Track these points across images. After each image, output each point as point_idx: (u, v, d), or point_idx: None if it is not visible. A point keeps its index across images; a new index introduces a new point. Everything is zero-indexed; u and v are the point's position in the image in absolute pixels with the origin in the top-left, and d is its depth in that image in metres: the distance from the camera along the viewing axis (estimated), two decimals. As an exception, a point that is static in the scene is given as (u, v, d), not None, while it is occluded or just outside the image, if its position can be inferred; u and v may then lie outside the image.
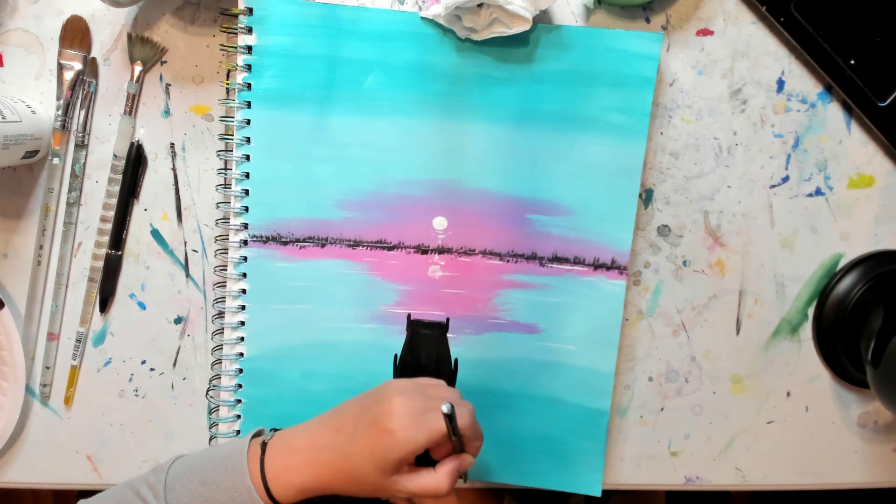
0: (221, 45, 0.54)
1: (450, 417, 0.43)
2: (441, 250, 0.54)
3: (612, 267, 0.54)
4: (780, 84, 0.55)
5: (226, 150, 0.54)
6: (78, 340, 0.56)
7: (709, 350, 0.57)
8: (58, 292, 0.56)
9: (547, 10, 0.54)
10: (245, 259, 0.54)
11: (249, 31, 0.52)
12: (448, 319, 0.55)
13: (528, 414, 0.55)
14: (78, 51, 0.54)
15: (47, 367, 0.56)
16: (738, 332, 0.57)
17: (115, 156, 0.55)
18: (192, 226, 0.56)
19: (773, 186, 0.56)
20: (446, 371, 0.55)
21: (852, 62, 0.53)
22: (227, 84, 0.54)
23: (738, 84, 0.55)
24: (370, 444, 0.44)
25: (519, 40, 0.52)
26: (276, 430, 0.48)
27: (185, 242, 0.56)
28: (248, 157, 0.53)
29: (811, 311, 0.57)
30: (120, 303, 0.56)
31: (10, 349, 0.54)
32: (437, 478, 0.45)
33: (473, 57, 0.53)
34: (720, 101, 0.55)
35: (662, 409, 0.57)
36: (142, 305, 0.56)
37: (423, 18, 0.52)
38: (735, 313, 0.57)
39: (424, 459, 0.46)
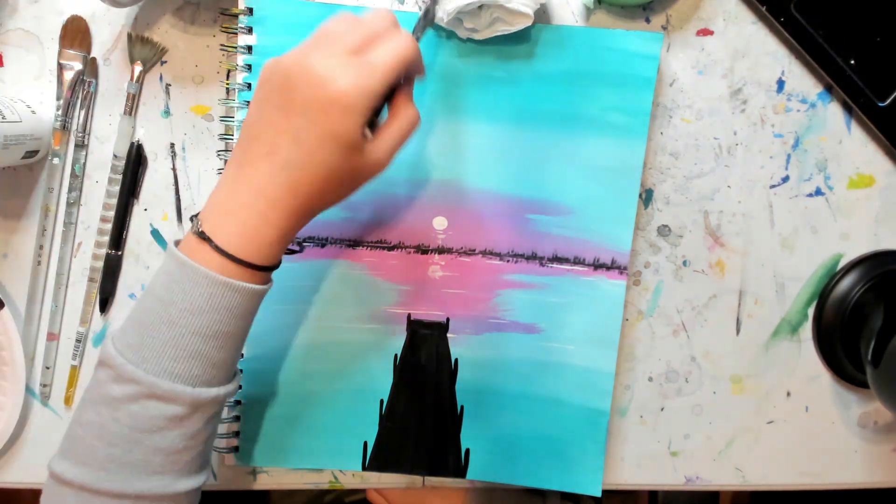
0: (221, 45, 0.54)
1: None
2: (441, 250, 0.54)
3: (613, 267, 0.54)
4: (780, 84, 0.55)
5: (226, 150, 0.54)
6: (78, 340, 0.56)
7: (709, 350, 0.57)
8: (58, 292, 0.56)
9: (547, 9, 0.54)
10: (245, 259, 0.54)
11: (249, 31, 0.52)
12: (448, 319, 0.55)
13: (528, 414, 0.55)
14: (78, 51, 0.54)
15: (47, 367, 0.56)
16: (738, 332, 0.57)
17: (115, 156, 0.55)
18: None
19: (773, 186, 0.56)
20: (446, 371, 0.55)
21: (852, 62, 0.53)
22: (228, 84, 0.54)
23: (738, 84, 0.55)
24: (322, 134, 0.38)
25: (519, 40, 0.52)
26: (192, 217, 0.41)
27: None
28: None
29: (811, 311, 0.57)
30: (120, 303, 0.56)
31: (10, 349, 0.54)
32: (405, 111, 0.42)
33: (473, 57, 0.53)
34: (720, 101, 0.55)
35: (662, 409, 0.57)
36: (142, 305, 0.56)
37: None
38: (735, 313, 0.57)
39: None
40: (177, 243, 0.41)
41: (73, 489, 0.38)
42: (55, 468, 0.39)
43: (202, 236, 0.39)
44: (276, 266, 0.42)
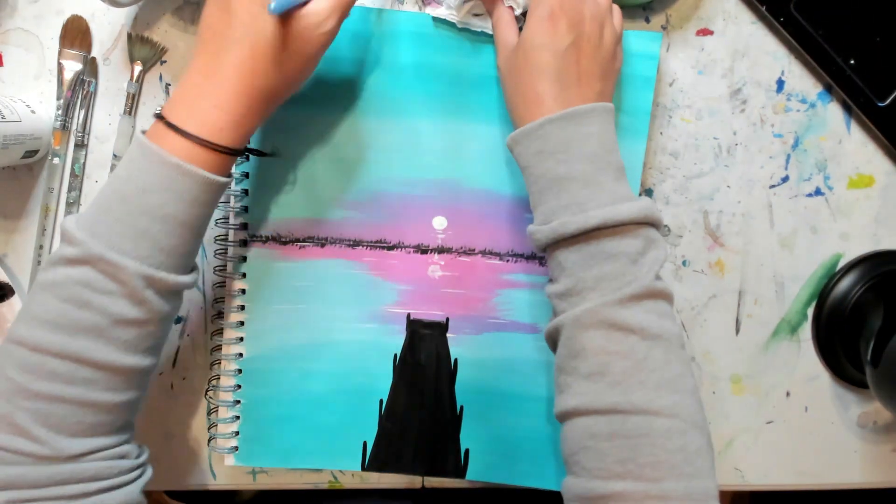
0: (221, 44, 0.54)
1: None
2: (441, 250, 0.54)
3: (612, 267, 0.54)
4: (780, 84, 0.55)
5: (225, 150, 0.54)
6: (78, 340, 0.56)
7: (708, 350, 0.57)
8: (57, 292, 0.55)
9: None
10: (244, 259, 0.54)
11: (249, 30, 0.52)
12: (448, 319, 0.55)
13: (528, 414, 0.55)
14: (78, 51, 0.54)
15: (47, 367, 0.56)
16: (737, 332, 0.57)
17: (115, 156, 0.55)
18: (192, 226, 0.56)
19: (772, 186, 0.56)
20: (446, 371, 0.55)
21: (852, 62, 0.53)
22: (227, 84, 0.54)
23: (737, 84, 0.55)
24: (250, 5, 0.40)
25: (519, 40, 0.52)
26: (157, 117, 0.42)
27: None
28: (247, 157, 0.53)
29: (811, 311, 0.57)
30: (120, 303, 0.56)
31: None
32: None
33: (473, 57, 0.53)
34: (720, 101, 0.55)
35: (662, 409, 0.57)
36: (141, 305, 0.56)
37: (434, 19, 0.52)
38: (735, 313, 0.57)
39: None
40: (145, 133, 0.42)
41: (26, 349, 0.39)
42: (10, 327, 0.40)
43: (160, 118, 0.41)
44: (231, 151, 0.42)
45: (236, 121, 0.41)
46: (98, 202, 0.41)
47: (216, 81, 0.41)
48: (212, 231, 0.55)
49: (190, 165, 0.40)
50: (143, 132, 0.42)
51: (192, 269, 0.45)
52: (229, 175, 0.44)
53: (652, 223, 0.43)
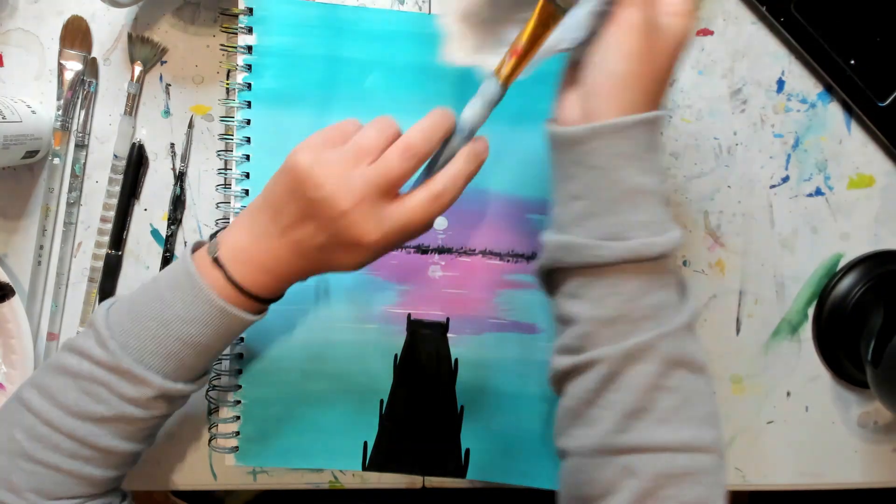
0: (221, 45, 0.54)
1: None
2: (441, 250, 0.54)
3: (612, 267, 0.54)
4: (780, 84, 0.55)
5: (226, 150, 0.54)
6: (78, 340, 0.56)
7: (709, 350, 0.57)
8: (58, 292, 0.56)
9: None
10: (245, 259, 0.54)
11: (250, 31, 0.52)
12: (448, 319, 0.55)
13: (528, 414, 0.55)
14: (78, 51, 0.54)
15: (47, 367, 0.56)
16: (737, 332, 0.57)
17: (115, 156, 0.55)
18: (192, 226, 0.56)
19: (773, 186, 0.56)
20: (446, 371, 0.55)
21: (852, 62, 0.53)
22: (228, 84, 0.54)
23: (738, 84, 0.55)
24: (336, 246, 0.40)
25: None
26: (213, 235, 0.44)
27: (185, 242, 0.56)
28: (248, 157, 0.53)
29: (811, 311, 0.57)
30: (120, 303, 0.56)
31: (20, 338, 0.54)
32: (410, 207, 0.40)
33: (473, 57, 0.53)
34: (720, 101, 0.55)
35: (662, 409, 0.57)
36: (142, 305, 0.56)
37: (435, 19, 0.52)
38: (735, 313, 0.57)
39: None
40: (195, 247, 0.43)
41: (38, 420, 0.41)
42: (24, 393, 0.42)
43: (217, 261, 0.41)
44: (275, 299, 0.44)
45: (286, 283, 0.43)
46: (134, 311, 0.42)
47: (278, 254, 0.41)
48: (212, 231, 0.55)
49: (235, 309, 0.41)
50: (195, 248, 0.43)
51: (201, 376, 0.46)
52: (265, 310, 0.45)
53: None
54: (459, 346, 0.55)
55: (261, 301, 0.43)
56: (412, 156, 0.39)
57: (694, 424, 0.37)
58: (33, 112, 0.53)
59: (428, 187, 0.40)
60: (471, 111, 0.40)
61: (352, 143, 0.39)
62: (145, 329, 0.41)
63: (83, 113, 0.54)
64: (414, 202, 0.40)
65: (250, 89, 0.52)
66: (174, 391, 0.42)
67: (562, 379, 0.39)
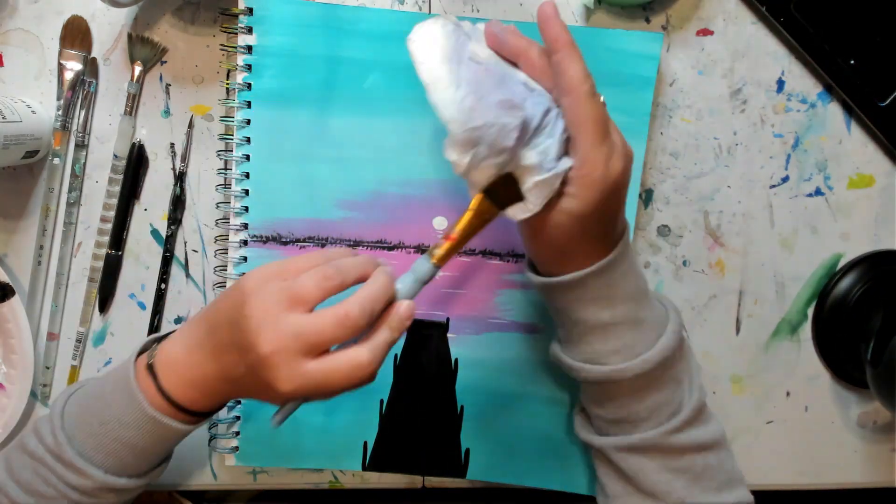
0: (221, 45, 0.54)
1: None
2: (441, 250, 0.54)
3: (612, 267, 0.54)
4: (780, 84, 0.55)
5: (226, 150, 0.54)
6: (78, 340, 0.56)
7: (709, 350, 0.57)
8: (58, 292, 0.56)
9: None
10: (245, 259, 0.54)
11: (249, 31, 0.52)
12: (448, 319, 0.55)
13: (528, 414, 0.55)
14: (78, 51, 0.54)
15: (47, 368, 0.56)
16: (737, 332, 0.57)
17: (115, 156, 0.55)
18: (192, 226, 0.56)
19: (773, 186, 0.56)
20: (446, 371, 0.55)
21: (852, 62, 0.53)
22: (227, 84, 0.54)
23: (738, 84, 0.55)
24: (261, 386, 0.39)
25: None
26: (155, 342, 0.44)
27: (185, 242, 0.56)
28: (248, 157, 0.53)
29: (811, 311, 0.57)
30: (120, 303, 0.56)
31: (19, 337, 0.54)
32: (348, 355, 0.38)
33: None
34: (720, 101, 0.55)
35: (662, 409, 0.57)
36: (142, 305, 0.56)
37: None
38: (735, 313, 0.57)
39: None
40: (144, 347, 0.44)
41: (12, 482, 0.43)
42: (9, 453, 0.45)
43: (150, 368, 0.42)
44: (208, 414, 0.44)
45: (215, 402, 0.43)
46: (83, 403, 0.44)
47: (205, 371, 0.41)
48: (212, 231, 0.56)
49: (165, 418, 0.42)
50: (137, 357, 0.43)
51: (148, 472, 0.46)
52: (202, 421, 0.45)
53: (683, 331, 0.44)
54: (459, 346, 0.55)
55: (192, 414, 0.42)
56: (348, 326, 0.38)
57: (711, 492, 0.43)
58: (33, 112, 0.53)
59: (351, 355, 0.38)
60: (402, 286, 0.41)
61: (290, 283, 0.38)
62: (88, 425, 0.42)
63: (83, 113, 0.54)
64: (335, 365, 0.38)
65: (250, 89, 0.52)
66: (118, 486, 0.43)
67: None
